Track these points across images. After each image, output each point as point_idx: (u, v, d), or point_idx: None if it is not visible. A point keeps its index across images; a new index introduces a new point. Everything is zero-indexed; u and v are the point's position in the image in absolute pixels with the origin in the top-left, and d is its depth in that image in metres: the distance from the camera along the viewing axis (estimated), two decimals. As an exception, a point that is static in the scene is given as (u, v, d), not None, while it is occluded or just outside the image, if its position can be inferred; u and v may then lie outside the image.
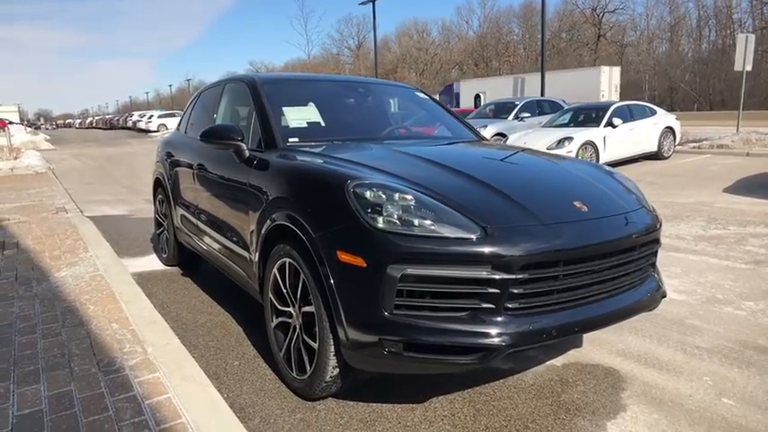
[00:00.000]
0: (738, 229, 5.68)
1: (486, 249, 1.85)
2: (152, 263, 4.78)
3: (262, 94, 3.10)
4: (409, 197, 2.00)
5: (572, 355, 2.79)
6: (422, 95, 3.86)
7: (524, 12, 60.43)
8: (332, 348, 2.10)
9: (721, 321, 3.25)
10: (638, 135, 11.08)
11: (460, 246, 1.86)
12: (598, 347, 2.88)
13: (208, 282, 4.21)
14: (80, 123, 74.99)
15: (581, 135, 9.99)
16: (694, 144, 13.65)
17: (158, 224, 4.78)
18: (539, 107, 13.39)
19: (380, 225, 1.92)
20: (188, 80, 66.34)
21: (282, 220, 2.33)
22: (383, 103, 3.69)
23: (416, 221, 1.93)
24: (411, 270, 1.84)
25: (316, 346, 2.18)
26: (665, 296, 2.44)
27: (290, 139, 2.84)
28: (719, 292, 3.78)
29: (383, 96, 3.77)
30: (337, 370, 2.15)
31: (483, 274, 1.85)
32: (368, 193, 2.02)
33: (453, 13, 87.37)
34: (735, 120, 15.34)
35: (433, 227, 1.90)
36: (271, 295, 2.55)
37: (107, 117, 63.95)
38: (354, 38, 71.24)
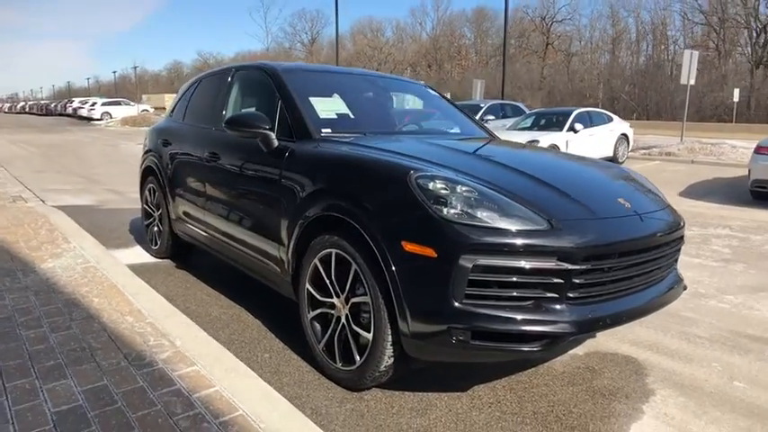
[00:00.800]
0: (701, 230, 6.10)
1: (553, 242, 1.93)
2: (139, 255, 4.59)
3: (286, 84, 3.05)
4: (472, 189, 2.04)
5: (590, 345, 2.93)
6: (433, 92, 3.92)
7: (477, 17, 61.81)
8: (389, 338, 2.12)
9: (711, 313, 3.50)
10: (597, 140, 11.64)
11: (529, 238, 1.92)
12: (611, 337, 3.04)
13: (207, 274, 4.09)
14: (9, 108, 70.04)
15: (546, 138, 10.38)
16: (644, 151, 14.47)
17: (147, 215, 4.59)
18: (502, 110, 13.78)
19: (449, 216, 1.95)
20: (135, 67, 63.30)
21: (331, 210, 2.31)
22: (401, 98, 3.72)
23: (481, 213, 1.97)
24: (482, 261, 1.89)
25: (369, 336, 2.19)
26: (686, 288, 2.61)
27: (323, 130, 2.82)
28: (701, 287, 4.06)
29: (399, 91, 3.80)
30: (392, 359, 2.16)
31: (549, 264, 1.92)
32: (431, 185, 2.05)
33: (408, 14, 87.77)
34: (671, 129, 16.37)
35: (499, 219, 1.95)
36: (309, 287, 2.53)
37: (43, 102, 60.06)
38: (308, 33, 70.50)
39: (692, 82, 14.60)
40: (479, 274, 1.90)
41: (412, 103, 3.86)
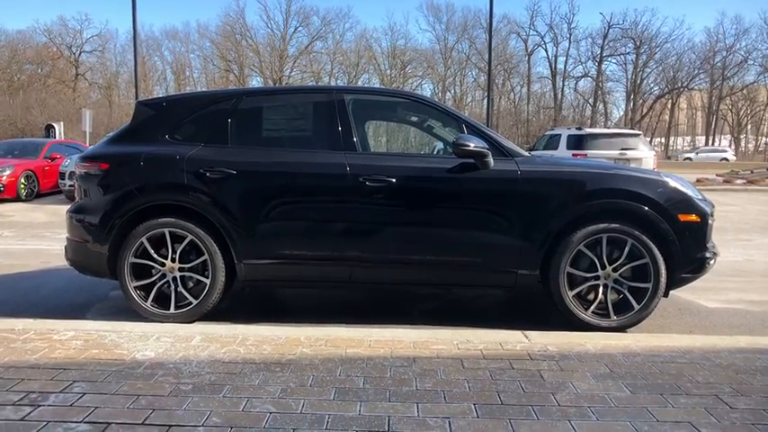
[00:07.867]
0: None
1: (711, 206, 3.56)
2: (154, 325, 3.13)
3: (458, 112, 3.50)
4: (680, 181, 3.43)
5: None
6: None
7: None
8: (663, 284, 3.21)
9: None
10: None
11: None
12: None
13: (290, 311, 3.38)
14: None
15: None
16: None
17: (144, 272, 3.27)
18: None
19: (698, 197, 3.34)
20: None
21: (612, 205, 3.21)
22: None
23: (699, 194, 3.39)
24: (710, 220, 3.35)
25: (648, 285, 3.21)
26: None
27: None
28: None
29: None
30: (660, 299, 3.27)
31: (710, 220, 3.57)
32: (671, 180, 3.34)
33: None
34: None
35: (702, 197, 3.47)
36: (570, 271, 3.23)
37: None
38: None
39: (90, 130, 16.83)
40: (711, 226, 3.38)
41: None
